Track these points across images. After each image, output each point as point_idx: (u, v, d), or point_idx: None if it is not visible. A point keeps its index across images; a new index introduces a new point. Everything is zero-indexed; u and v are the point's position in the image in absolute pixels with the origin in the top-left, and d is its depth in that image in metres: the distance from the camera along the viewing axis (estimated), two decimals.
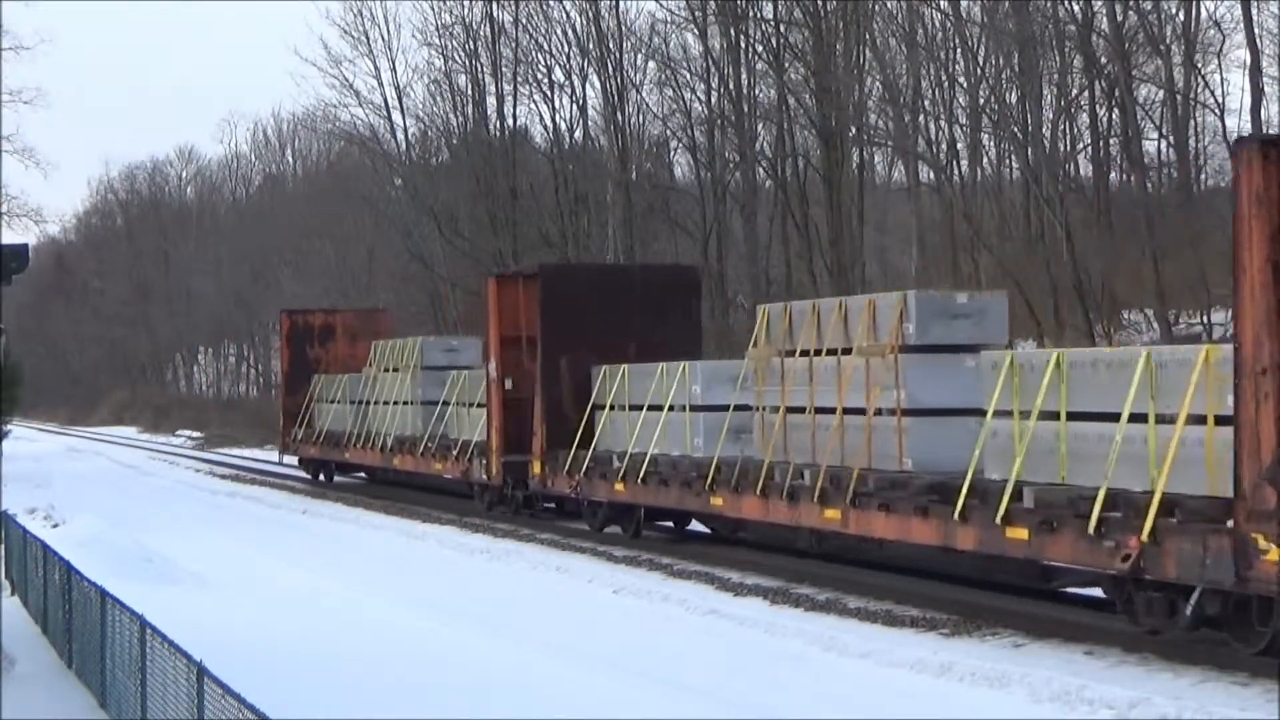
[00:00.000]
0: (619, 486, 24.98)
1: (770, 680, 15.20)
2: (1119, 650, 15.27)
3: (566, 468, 26.51)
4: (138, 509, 36.27)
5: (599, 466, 25.68)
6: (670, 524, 26.36)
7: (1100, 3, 38.57)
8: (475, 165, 57.31)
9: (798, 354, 20.55)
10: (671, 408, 24.01)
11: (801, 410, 20.49)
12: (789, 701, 14.25)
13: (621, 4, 63.25)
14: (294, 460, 45.87)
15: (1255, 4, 36.97)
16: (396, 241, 64.05)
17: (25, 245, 15.90)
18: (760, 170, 49.84)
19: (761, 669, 15.75)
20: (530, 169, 59.35)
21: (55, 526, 28.64)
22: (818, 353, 20.17)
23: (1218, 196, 42.30)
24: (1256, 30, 36.87)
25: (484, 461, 30.26)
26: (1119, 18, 38.53)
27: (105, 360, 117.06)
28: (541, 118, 59.79)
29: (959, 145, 46.16)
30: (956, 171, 46.03)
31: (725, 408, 22.77)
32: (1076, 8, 39.82)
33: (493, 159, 57.07)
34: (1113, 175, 43.75)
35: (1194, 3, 38.67)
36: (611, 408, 26.03)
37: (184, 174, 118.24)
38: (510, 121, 58.45)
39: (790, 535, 21.55)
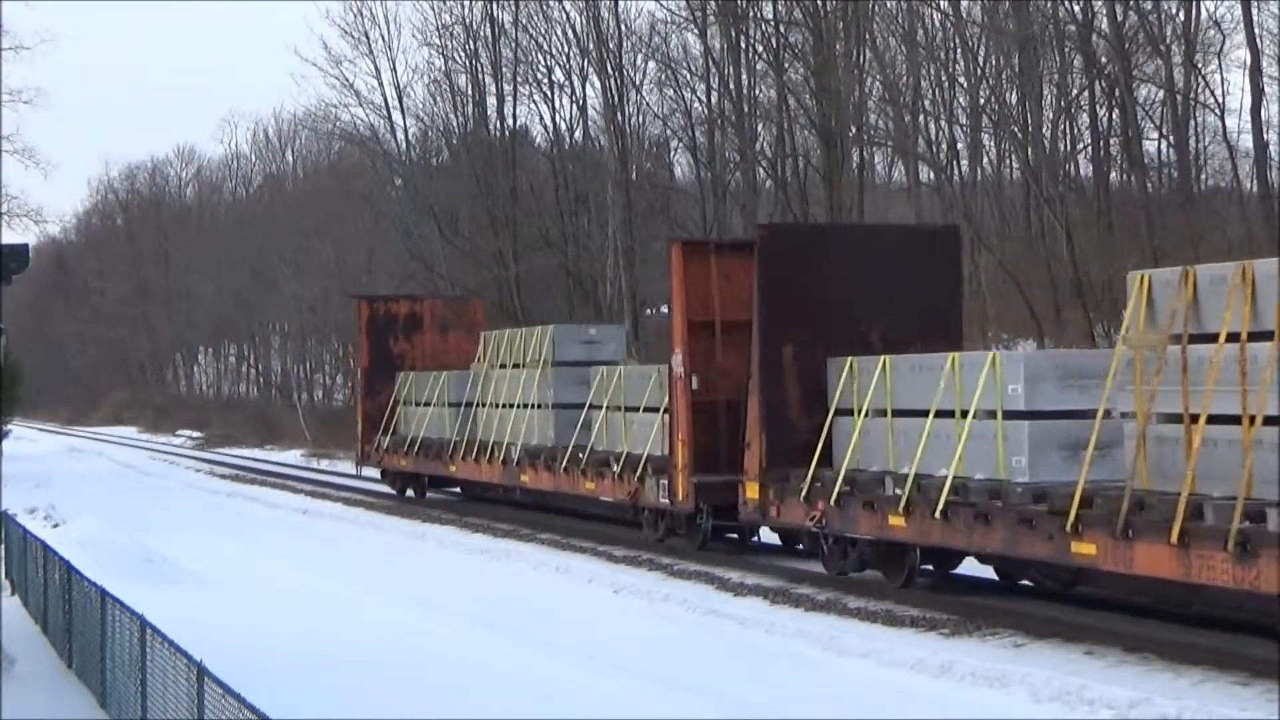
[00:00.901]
0: (895, 520, 18.22)
1: (770, 680, 15.19)
2: (1119, 650, 15.26)
3: (805, 493, 19.88)
4: (138, 509, 36.28)
5: (860, 492, 19.02)
6: (928, 566, 19.57)
7: (1100, 3, 38.58)
8: (475, 165, 57.32)
9: (1222, 339, 14.35)
10: (971, 413, 17.50)
11: (1231, 420, 14.20)
12: (789, 701, 14.25)
13: (621, 4, 63.25)
14: (373, 472, 39.68)
15: (1255, 4, 36.97)
16: (396, 241, 64.05)
17: (25, 245, 15.90)
18: (760, 170, 49.85)
19: (761, 669, 15.75)
20: (530, 169, 59.37)
21: (55, 526, 28.66)
22: (1255, 336, 14.21)
23: (1218, 196, 42.36)
24: (1256, 30, 36.88)
25: (663, 481, 23.74)
26: (1119, 18, 38.54)
27: (105, 360, 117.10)
28: (541, 118, 59.95)
29: (959, 145, 46.20)
30: (956, 171, 46.03)
31: (1063, 414, 16.84)
32: (1076, 8, 39.85)
33: (493, 159, 57.08)
34: (1113, 175, 43.75)
35: (1194, 3, 38.67)
36: (866, 413, 19.32)
37: (184, 174, 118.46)
38: (510, 121, 58.56)
39: (1189, 596, 15.83)
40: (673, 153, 59.12)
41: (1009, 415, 17.05)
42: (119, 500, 39.47)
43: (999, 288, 40.69)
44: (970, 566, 19.61)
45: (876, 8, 45.32)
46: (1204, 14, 40.45)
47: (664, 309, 53.67)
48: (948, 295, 21.79)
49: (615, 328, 31.98)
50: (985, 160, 46.84)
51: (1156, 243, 35.23)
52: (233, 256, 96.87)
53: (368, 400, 38.56)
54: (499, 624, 18.72)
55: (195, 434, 79.03)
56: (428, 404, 34.96)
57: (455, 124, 60.61)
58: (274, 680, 13.69)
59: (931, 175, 46.17)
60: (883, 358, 19.29)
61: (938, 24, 44.95)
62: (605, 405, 26.66)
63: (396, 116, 61.30)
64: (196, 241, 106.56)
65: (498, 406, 31.10)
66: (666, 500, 23.77)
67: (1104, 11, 38.50)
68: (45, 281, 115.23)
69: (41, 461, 56.86)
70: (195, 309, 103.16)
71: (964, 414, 17.64)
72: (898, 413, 18.91)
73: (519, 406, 30.03)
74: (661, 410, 24.14)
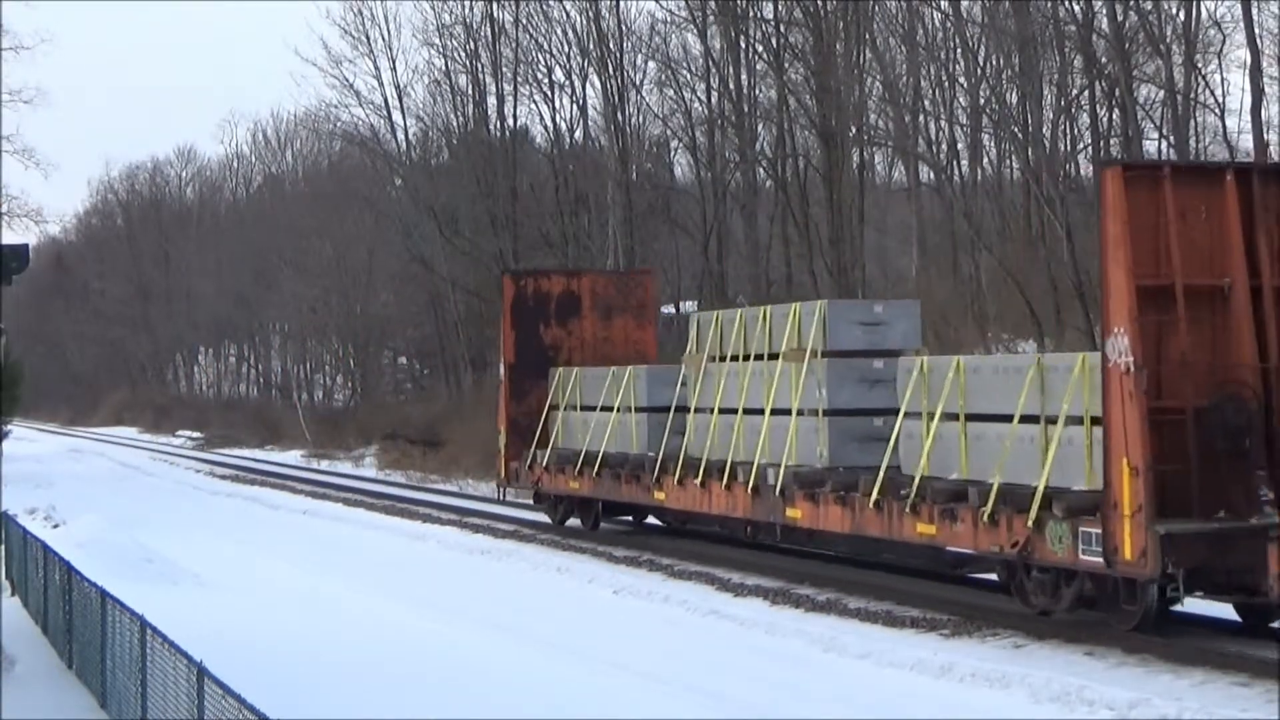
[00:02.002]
0: None
1: (770, 680, 15.20)
2: (1119, 651, 15.26)
3: None
4: (138, 509, 36.29)
5: None
6: None
7: (1100, 3, 38.56)
8: (475, 165, 57.32)
9: None
10: None
11: None
12: (789, 701, 14.25)
13: (621, 4, 63.29)
14: (512, 494, 32.06)
15: (1255, 4, 36.94)
16: (396, 241, 64.07)
17: (25, 245, 15.94)
18: (760, 170, 49.82)
19: (761, 669, 15.75)
20: (530, 169, 59.37)
21: (56, 527, 28.70)
22: None
23: None
24: (1256, 30, 36.83)
25: (1084, 529, 15.73)
26: (1119, 18, 38.50)
27: (105, 360, 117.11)
28: (542, 118, 59.88)
29: (959, 145, 46.16)
30: (956, 171, 46.01)
31: None
32: (1076, 8, 39.82)
33: (493, 159, 57.08)
34: None
35: (1194, 3, 38.62)
36: None
37: (184, 174, 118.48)
38: (510, 121, 58.55)
39: None
40: (673, 153, 59.10)
41: None
42: (119, 501, 39.48)
43: (999, 288, 40.68)
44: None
45: (876, 8, 45.30)
46: (1204, 14, 40.40)
47: (669, 309, 53.70)
48: None
49: (907, 303, 22.87)
50: (985, 160, 46.83)
51: None
52: (233, 256, 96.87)
53: (512, 403, 29.98)
54: (499, 624, 18.73)
55: (195, 434, 79.01)
56: (605, 409, 26.89)
57: (455, 124, 60.66)
58: (274, 680, 13.69)
59: (931, 175, 46.16)
60: None
61: (938, 24, 44.94)
62: (938, 412, 18.24)
63: (396, 116, 61.39)
64: (196, 242, 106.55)
65: (736, 413, 22.60)
66: (1096, 557, 15.61)
67: (1104, 11, 38.47)
68: (45, 281, 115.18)
69: (42, 462, 56.89)
70: (195, 309, 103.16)
71: None
72: None
73: (771, 413, 21.62)
74: (1053, 421, 16.60)
